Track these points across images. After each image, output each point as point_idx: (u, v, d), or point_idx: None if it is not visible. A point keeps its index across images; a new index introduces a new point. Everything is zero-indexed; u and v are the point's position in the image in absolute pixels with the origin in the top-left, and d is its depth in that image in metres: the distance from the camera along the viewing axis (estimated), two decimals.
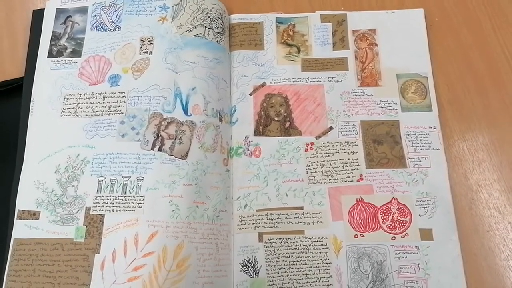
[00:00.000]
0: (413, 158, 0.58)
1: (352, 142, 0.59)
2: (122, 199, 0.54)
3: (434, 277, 0.53)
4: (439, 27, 0.65)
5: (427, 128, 0.59)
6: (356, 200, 0.57)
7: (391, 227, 0.55)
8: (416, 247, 0.54)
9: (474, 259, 0.54)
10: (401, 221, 0.55)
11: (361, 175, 0.58)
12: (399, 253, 0.54)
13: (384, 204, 0.56)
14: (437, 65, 0.62)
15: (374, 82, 0.62)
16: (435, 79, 0.62)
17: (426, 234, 0.55)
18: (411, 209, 0.56)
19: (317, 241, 0.55)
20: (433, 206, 0.56)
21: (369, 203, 0.56)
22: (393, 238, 0.55)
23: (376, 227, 0.55)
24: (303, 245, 0.55)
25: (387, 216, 0.56)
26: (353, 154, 0.59)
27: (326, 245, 0.55)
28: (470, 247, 0.54)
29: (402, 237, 0.55)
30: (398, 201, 0.56)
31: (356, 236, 0.55)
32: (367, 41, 0.64)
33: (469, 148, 0.59)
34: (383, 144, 0.59)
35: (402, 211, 0.56)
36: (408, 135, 0.59)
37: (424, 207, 0.56)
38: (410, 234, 0.55)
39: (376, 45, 0.64)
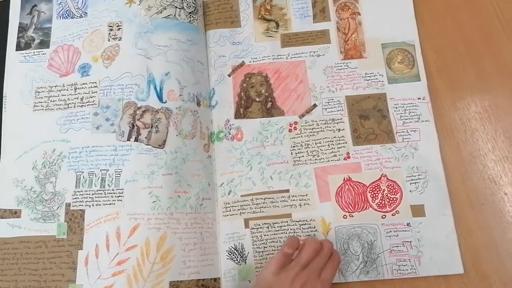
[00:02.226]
0: (402, 132, 0.55)
1: (338, 119, 0.57)
2: (101, 193, 0.53)
3: (427, 254, 0.51)
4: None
5: (416, 100, 0.56)
6: (344, 180, 0.54)
7: (381, 205, 0.53)
8: (408, 224, 0.52)
9: (469, 233, 0.52)
10: (391, 199, 0.53)
11: (348, 153, 0.55)
12: (390, 231, 0.52)
13: (373, 182, 0.54)
14: (424, 31, 0.59)
15: (358, 54, 0.59)
16: (422, 46, 0.58)
17: (418, 211, 0.52)
18: (402, 185, 0.53)
19: (305, 224, 0.53)
20: (424, 180, 0.53)
21: (357, 181, 0.54)
22: (384, 216, 0.53)
23: (365, 206, 0.53)
24: (291, 229, 0.53)
25: (377, 194, 0.53)
26: (339, 131, 0.56)
27: (314, 227, 0.53)
28: (464, 221, 0.52)
29: (392, 215, 0.53)
30: (387, 178, 0.54)
31: (345, 216, 0.53)
32: (349, 10, 0.60)
33: (461, 118, 0.56)
34: (370, 119, 0.56)
35: (392, 188, 0.54)
36: (396, 107, 0.56)
37: (415, 183, 0.53)
38: (401, 212, 0.53)
39: (359, 14, 0.60)
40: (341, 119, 0.57)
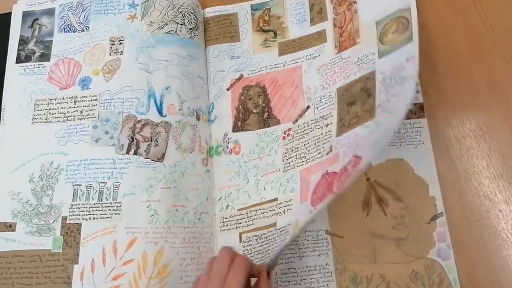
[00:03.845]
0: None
1: (327, 115, 0.54)
2: (98, 207, 0.52)
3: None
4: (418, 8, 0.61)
5: (404, 61, 0.47)
6: (322, 175, 0.51)
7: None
8: None
9: (465, 250, 0.52)
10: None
11: (331, 147, 0.52)
12: None
13: (344, 167, 0.47)
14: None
15: (352, 42, 0.56)
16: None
17: None
18: None
19: (283, 230, 0.51)
20: None
21: (332, 172, 0.50)
22: None
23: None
24: (273, 238, 0.52)
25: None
26: (326, 126, 0.54)
27: (289, 232, 0.50)
28: (460, 238, 0.52)
29: None
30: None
31: (311, 212, 0.48)
32: (346, 2, 0.58)
33: (455, 135, 0.56)
34: (356, 104, 0.52)
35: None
36: (383, 79, 0.50)
37: None
38: None
39: (355, 2, 0.57)
40: (330, 113, 0.55)
